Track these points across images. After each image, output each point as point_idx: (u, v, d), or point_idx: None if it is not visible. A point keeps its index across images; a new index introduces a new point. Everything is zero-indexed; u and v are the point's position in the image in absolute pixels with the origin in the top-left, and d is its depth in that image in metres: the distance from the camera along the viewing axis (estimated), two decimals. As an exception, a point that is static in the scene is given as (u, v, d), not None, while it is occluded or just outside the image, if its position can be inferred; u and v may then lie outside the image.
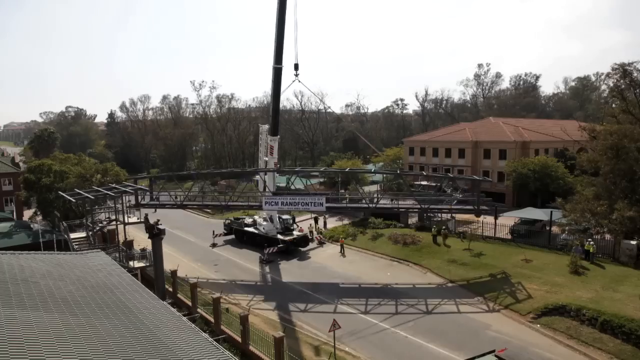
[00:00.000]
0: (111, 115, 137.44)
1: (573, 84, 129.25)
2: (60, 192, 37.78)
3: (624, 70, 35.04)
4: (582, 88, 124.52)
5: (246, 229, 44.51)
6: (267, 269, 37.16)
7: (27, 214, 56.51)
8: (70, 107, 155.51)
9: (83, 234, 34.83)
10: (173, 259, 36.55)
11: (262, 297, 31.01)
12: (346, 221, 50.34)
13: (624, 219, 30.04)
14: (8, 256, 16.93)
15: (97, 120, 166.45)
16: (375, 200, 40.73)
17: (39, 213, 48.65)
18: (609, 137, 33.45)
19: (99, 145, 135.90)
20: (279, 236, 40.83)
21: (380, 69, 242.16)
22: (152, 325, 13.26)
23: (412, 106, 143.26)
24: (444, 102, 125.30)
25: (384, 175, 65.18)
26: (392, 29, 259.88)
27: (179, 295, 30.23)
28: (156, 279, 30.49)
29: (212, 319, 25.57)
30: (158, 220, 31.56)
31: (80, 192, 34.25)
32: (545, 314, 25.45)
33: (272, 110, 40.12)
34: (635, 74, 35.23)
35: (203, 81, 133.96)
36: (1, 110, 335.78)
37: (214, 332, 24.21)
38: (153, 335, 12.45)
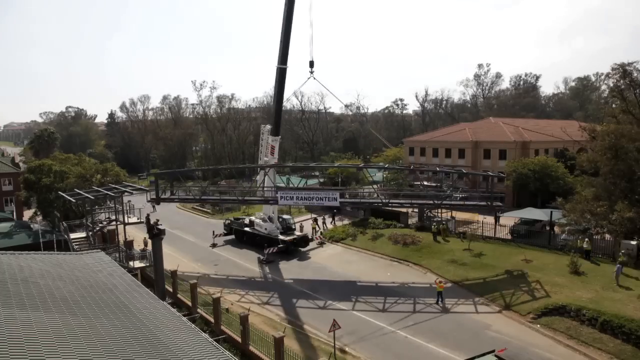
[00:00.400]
0: (111, 116, 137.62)
1: (573, 84, 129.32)
2: (60, 192, 37.82)
3: (624, 70, 35.01)
4: (582, 88, 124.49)
5: (246, 229, 44.49)
6: (267, 269, 37.16)
7: (27, 214, 56.53)
8: (70, 107, 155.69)
9: (83, 234, 34.87)
10: (173, 259, 36.53)
11: (262, 297, 31.01)
12: (346, 221, 50.36)
13: (623, 219, 30.06)
14: (8, 256, 16.93)
15: (97, 120, 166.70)
16: (385, 197, 40.51)
17: (39, 213, 48.67)
18: (607, 138, 33.45)
19: (99, 146, 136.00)
20: (280, 236, 40.83)
21: (380, 69, 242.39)
22: (152, 325, 13.26)
23: (412, 106, 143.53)
24: (444, 102, 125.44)
25: (384, 175, 65.22)
26: (392, 29, 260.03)
27: (179, 295, 30.23)
28: (156, 279, 30.51)
29: (212, 319, 25.57)
30: (157, 220, 31.58)
31: (80, 192, 34.29)
32: (545, 314, 25.43)
33: (275, 111, 40.08)
34: (635, 74, 35.20)
35: (204, 81, 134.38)
36: (1, 110, 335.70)
37: (214, 332, 24.23)
38: (153, 335, 12.46)
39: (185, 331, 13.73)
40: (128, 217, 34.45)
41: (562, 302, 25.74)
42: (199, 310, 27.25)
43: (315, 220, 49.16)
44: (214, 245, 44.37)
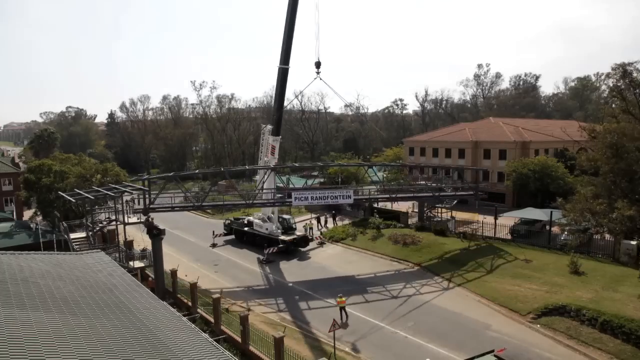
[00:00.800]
0: (111, 116, 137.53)
1: (573, 84, 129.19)
2: (60, 192, 37.75)
3: (623, 70, 34.97)
4: (582, 88, 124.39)
5: (246, 229, 44.49)
6: (267, 269, 37.16)
7: (27, 214, 56.52)
8: (70, 107, 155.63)
9: (83, 234, 34.78)
10: (173, 259, 36.52)
11: (262, 297, 31.01)
12: (346, 221, 50.35)
13: (624, 217, 29.96)
14: (8, 256, 16.92)
15: (97, 120, 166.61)
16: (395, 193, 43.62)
17: (39, 213, 48.65)
18: (607, 136, 33.37)
19: (99, 146, 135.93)
20: (281, 236, 40.82)
21: (380, 69, 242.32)
22: (152, 325, 13.26)
23: (412, 106, 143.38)
24: (444, 102, 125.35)
25: (385, 175, 65.28)
26: (392, 29, 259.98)
27: (179, 296, 30.23)
28: (156, 279, 30.49)
29: (212, 319, 25.56)
30: (152, 219, 31.73)
31: (80, 192, 34.21)
32: (545, 314, 25.45)
33: (276, 111, 40.06)
34: (635, 74, 35.16)
35: (204, 81, 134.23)
36: (1, 110, 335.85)
37: (214, 332, 24.21)
38: (153, 335, 12.46)
39: (185, 331, 13.72)
40: (128, 217, 34.40)
41: (562, 302, 25.75)
42: (199, 310, 27.25)
43: (318, 219, 49.20)
44: (214, 245, 44.37)
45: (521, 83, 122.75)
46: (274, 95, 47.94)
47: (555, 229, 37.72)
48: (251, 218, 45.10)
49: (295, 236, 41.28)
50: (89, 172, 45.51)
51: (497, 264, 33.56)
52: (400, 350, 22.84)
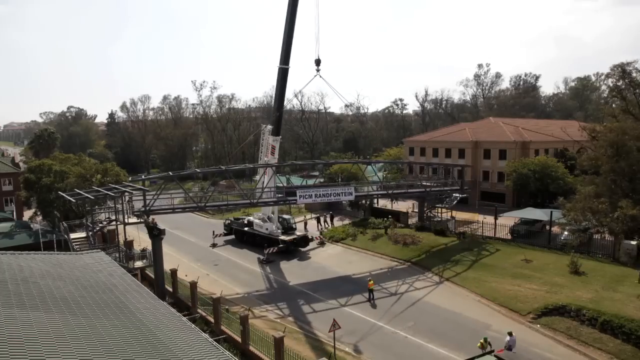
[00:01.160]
0: (111, 116, 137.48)
1: (573, 84, 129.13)
2: (60, 192, 37.72)
3: (623, 71, 35.06)
4: (582, 88, 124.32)
5: (246, 229, 44.48)
6: (267, 269, 37.16)
7: (27, 214, 56.53)
8: (70, 107, 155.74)
9: (83, 234, 34.76)
10: (173, 259, 36.52)
11: (262, 297, 31.01)
12: (347, 221, 50.36)
13: (625, 217, 29.92)
14: (8, 256, 16.92)
15: (97, 120, 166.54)
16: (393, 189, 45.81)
17: (39, 213, 48.66)
18: (608, 134, 33.38)
19: (99, 146, 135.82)
20: (281, 236, 40.82)
21: (380, 69, 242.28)
22: (152, 325, 13.25)
23: (412, 106, 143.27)
24: (444, 102, 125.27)
25: (384, 175, 65.35)
26: (392, 29, 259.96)
27: (179, 296, 30.23)
28: (156, 279, 30.47)
29: (212, 319, 25.56)
30: (153, 219, 31.68)
31: (80, 192, 34.18)
32: (545, 314, 25.45)
33: (276, 111, 40.03)
34: (634, 74, 35.24)
35: (204, 81, 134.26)
36: (1, 110, 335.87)
37: (214, 332, 24.20)
38: (153, 335, 12.45)
39: (185, 331, 13.72)
40: (128, 217, 34.39)
41: (562, 302, 25.75)
42: (199, 310, 27.25)
43: (318, 219, 49.21)
44: (214, 245, 44.37)
45: (521, 83, 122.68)
46: (274, 95, 47.95)
47: (555, 229, 37.75)
48: (251, 218, 45.07)
49: (295, 236, 41.28)
50: (89, 172, 45.51)
51: (497, 264, 33.52)
52: (400, 350, 22.84)
